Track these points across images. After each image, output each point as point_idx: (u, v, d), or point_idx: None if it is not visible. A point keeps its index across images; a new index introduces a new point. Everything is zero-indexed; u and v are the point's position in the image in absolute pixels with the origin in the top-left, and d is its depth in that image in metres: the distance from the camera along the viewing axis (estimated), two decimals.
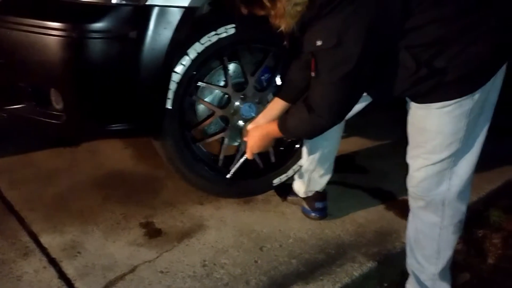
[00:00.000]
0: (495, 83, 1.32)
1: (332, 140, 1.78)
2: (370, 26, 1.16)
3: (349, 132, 2.95)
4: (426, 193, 1.41)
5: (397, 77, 1.27)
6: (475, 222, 2.20)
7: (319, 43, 1.19)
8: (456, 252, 2.00)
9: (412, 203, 1.49)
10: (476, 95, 1.27)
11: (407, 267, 1.59)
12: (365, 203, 2.10)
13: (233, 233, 1.82)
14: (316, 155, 1.80)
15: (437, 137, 1.33)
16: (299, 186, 1.92)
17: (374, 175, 2.37)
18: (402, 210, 1.95)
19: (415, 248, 1.54)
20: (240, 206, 2.00)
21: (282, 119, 1.47)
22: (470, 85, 1.26)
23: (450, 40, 1.21)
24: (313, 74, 1.29)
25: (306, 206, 1.93)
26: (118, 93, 1.46)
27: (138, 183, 2.16)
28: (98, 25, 1.37)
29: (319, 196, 1.91)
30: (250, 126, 1.63)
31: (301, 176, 1.89)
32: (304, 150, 1.83)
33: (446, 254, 1.50)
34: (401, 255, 1.64)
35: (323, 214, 1.92)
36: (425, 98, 1.29)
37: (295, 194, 1.97)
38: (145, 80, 1.45)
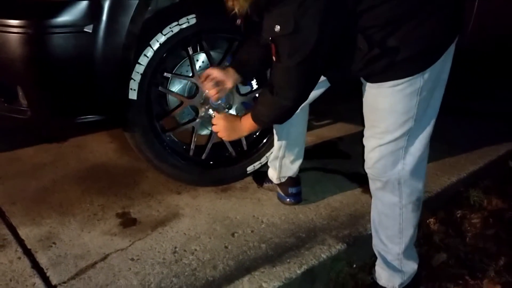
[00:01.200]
0: (445, 63, 1.33)
1: (298, 126, 1.80)
2: (325, 9, 1.18)
3: (334, 118, 2.97)
4: (382, 174, 1.43)
5: (351, 58, 1.29)
6: (455, 202, 2.20)
7: (277, 29, 1.21)
8: (433, 233, 2.03)
9: (371, 185, 1.51)
10: (426, 74, 1.28)
11: (374, 248, 1.61)
12: (342, 187, 2.12)
13: (207, 220, 1.85)
14: (284, 142, 1.82)
15: (389, 116, 1.35)
16: (272, 173, 1.95)
17: (355, 160, 2.37)
18: None
19: (379, 229, 1.56)
20: (217, 194, 2.03)
21: (254, 110, 1.50)
22: (420, 63, 1.28)
23: (401, 20, 1.23)
24: (274, 58, 1.31)
25: (281, 192, 1.95)
26: (78, 87, 1.49)
27: (119, 175, 2.21)
28: (53, 21, 1.40)
29: (292, 181, 1.93)
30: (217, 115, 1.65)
31: (272, 163, 1.92)
32: (275, 138, 1.85)
33: (409, 232, 1.51)
34: (370, 237, 1.65)
35: (298, 199, 1.94)
36: (378, 77, 1.31)
37: (270, 181, 1.99)
38: (103, 72, 1.48)
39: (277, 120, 1.56)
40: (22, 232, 1.75)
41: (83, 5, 1.42)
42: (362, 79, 1.40)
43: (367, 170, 1.50)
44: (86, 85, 1.49)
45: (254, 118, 1.50)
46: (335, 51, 1.29)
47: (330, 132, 2.79)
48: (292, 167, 1.91)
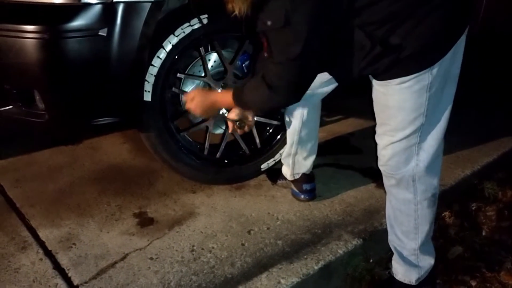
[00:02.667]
0: (455, 57, 1.32)
1: (311, 122, 1.81)
2: (317, 6, 1.18)
3: (344, 114, 2.97)
4: (395, 171, 1.43)
5: (354, 57, 1.28)
6: (469, 195, 2.20)
7: (269, 23, 1.21)
8: (448, 226, 2.03)
9: (385, 182, 1.51)
10: (435, 70, 1.27)
11: (389, 243, 1.61)
12: (356, 182, 2.12)
13: (223, 218, 1.87)
14: (296, 138, 1.83)
15: (399, 114, 1.34)
16: (285, 170, 1.96)
17: (368, 155, 2.37)
18: None
19: (394, 225, 1.56)
20: (231, 192, 2.05)
21: (239, 93, 1.48)
22: (426, 60, 1.27)
23: (403, 16, 1.22)
24: (265, 54, 1.32)
25: (295, 189, 1.96)
26: (94, 90, 1.51)
27: (134, 175, 2.23)
28: (68, 25, 1.42)
29: (306, 178, 1.94)
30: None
31: (286, 160, 1.93)
32: (287, 134, 1.86)
33: (425, 228, 1.52)
34: (386, 232, 1.66)
35: (312, 195, 1.95)
36: (384, 75, 1.30)
37: (284, 178, 2.01)
38: (118, 75, 1.50)
39: (263, 109, 1.56)
40: (42, 234, 1.78)
41: (97, 9, 1.44)
42: (370, 76, 1.41)
43: (380, 168, 1.50)
44: (101, 88, 1.52)
45: (237, 100, 1.49)
46: (337, 49, 1.29)
47: (341, 127, 2.79)
48: (305, 164, 1.92)
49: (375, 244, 1.75)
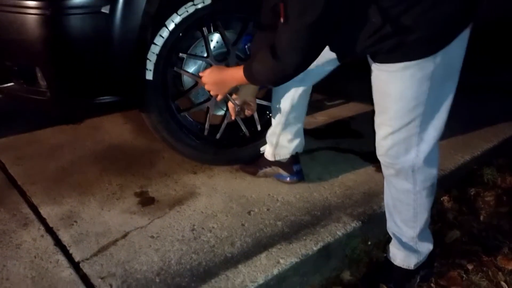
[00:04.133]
0: (458, 48, 1.30)
1: (300, 106, 1.79)
2: None
3: (345, 98, 2.97)
4: (395, 161, 1.42)
5: (361, 32, 1.25)
6: (468, 181, 2.21)
7: None
8: (447, 210, 2.05)
9: (384, 171, 1.51)
10: (438, 58, 1.25)
11: (388, 230, 1.62)
12: (356, 166, 2.13)
13: (223, 199, 1.88)
14: (283, 120, 1.81)
15: (399, 102, 1.32)
16: (268, 149, 1.94)
17: (368, 139, 2.36)
18: None
19: (393, 213, 1.56)
20: (232, 173, 2.06)
21: (248, 65, 1.46)
22: (431, 46, 1.25)
23: None
24: (282, 20, 1.30)
25: (284, 172, 1.96)
26: (96, 67, 1.51)
27: (135, 155, 2.24)
28: (71, 2, 1.41)
29: (295, 159, 1.94)
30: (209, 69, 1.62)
31: (270, 139, 1.91)
32: (272, 112, 1.84)
33: (423, 216, 1.52)
34: (384, 216, 1.67)
35: (301, 176, 1.96)
36: (386, 57, 1.28)
37: (265, 166, 1.98)
38: (120, 53, 1.50)
39: (271, 82, 1.54)
40: (44, 211, 1.79)
41: None
42: (369, 60, 1.38)
43: (379, 157, 1.48)
44: (103, 66, 1.51)
45: (247, 75, 1.47)
46: (347, 19, 1.26)
47: (342, 111, 2.79)
48: (288, 146, 1.90)
49: (374, 226, 1.76)
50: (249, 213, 1.79)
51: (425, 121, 1.35)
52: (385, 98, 1.37)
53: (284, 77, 1.42)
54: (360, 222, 1.72)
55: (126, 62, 1.53)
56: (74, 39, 1.45)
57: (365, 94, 2.30)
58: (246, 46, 1.91)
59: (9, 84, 1.66)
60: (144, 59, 1.60)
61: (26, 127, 2.52)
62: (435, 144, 1.41)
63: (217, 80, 1.59)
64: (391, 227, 1.60)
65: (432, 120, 1.36)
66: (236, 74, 1.51)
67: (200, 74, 1.62)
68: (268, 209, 1.81)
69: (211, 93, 1.67)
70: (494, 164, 2.29)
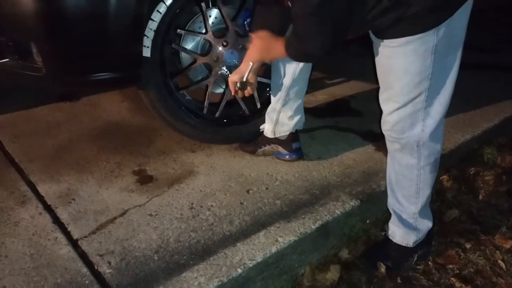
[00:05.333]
0: (460, 20, 1.28)
1: (301, 81, 1.77)
2: None
3: (346, 76, 2.94)
4: (400, 136, 1.42)
5: (361, 10, 1.23)
6: (468, 160, 2.20)
7: None
8: (446, 189, 2.04)
9: (389, 146, 1.50)
10: (441, 31, 1.24)
11: (389, 207, 1.62)
12: (355, 145, 2.12)
13: (222, 177, 1.87)
14: (283, 95, 1.79)
15: (404, 77, 1.32)
16: (267, 127, 1.92)
17: (368, 118, 2.37)
18: None
19: (395, 189, 1.56)
20: (230, 152, 2.05)
21: (287, 41, 1.43)
22: (433, 19, 1.23)
23: None
24: (289, 3, 1.27)
25: (282, 150, 1.94)
26: (91, 43, 1.48)
27: (133, 133, 2.22)
28: None
29: (294, 136, 1.93)
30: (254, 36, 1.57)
31: (270, 115, 1.89)
32: (272, 89, 1.82)
33: (425, 193, 1.52)
34: (385, 194, 1.66)
35: (300, 154, 1.96)
36: (388, 32, 1.27)
37: (264, 144, 1.97)
38: (116, 28, 1.47)
39: (304, 61, 1.59)
40: (42, 188, 1.79)
41: None
42: (371, 36, 1.36)
43: (385, 132, 1.48)
44: (100, 42, 1.48)
45: (286, 50, 1.44)
46: None
47: (342, 90, 2.77)
48: (288, 123, 1.88)
49: (372, 205, 1.76)
50: (247, 191, 1.79)
51: (431, 96, 1.35)
52: (389, 74, 1.35)
53: (313, 57, 1.44)
54: (358, 201, 1.72)
55: (123, 37, 1.50)
56: (70, 13, 1.42)
57: (365, 72, 2.28)
58: (245, 22, 1.88)
59: (3, 60, 1.62)
60: (141, 34, 1.57)
61: (23, 104, 2.49)
62: (441, 119, 1.41)
63: (266, 45, 1.53)
64: (392, 204, 1.60)
65: (438, 94, 1.36)
66: (280, 46, 1.46)
67: (251, 34, 1.56)
68: (267, 188, 1.81)
69: (251, 56, 1.59)
70: (494, 143, 2.28)
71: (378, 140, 2.12)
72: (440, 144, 1.48)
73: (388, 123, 1.44)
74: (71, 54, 1.49)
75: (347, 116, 2.42)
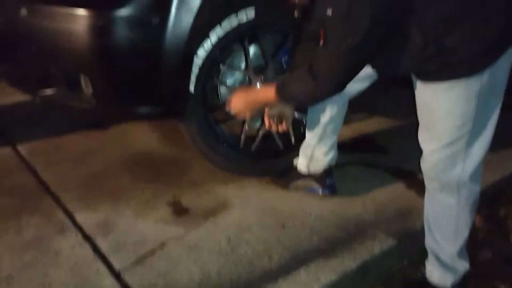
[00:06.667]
0: (503, 65, 1.31)
1: (338, 118, 1.81)
2: None
3: (369, 112, 2.97)
4: (441, 175, 1.43)
5: (404, 53, 1.27)
6: (498, 200, 2.20)
7: (329, 12, 1.20)
8: (477, 230, 2.04)
9: (428, 185, 1.51)
10: (485, 76, 1.26)
11: (426, 246, 1.62)
12: (385, 182, 2.13)
13: (256, 211, 1.88)
14: (320, 132, 1.81)
15: (447, 119, 1.34)
16: (301, 162, 1.94)
17: (395, 154, 2.38)
18: (423, 188, 1.92)
19: (433, 228, 1.56)
20: (262, 185, 2.06)
21: (282, 85, 1.46)
22: (478, 64, 1.26)
23: (461, 18, 1.21)
24: (321, 43, 1.31)
25: (316, 185, 1.96)
26: (143, 78, 1.53)
27: (165, 164, 2.24)
28: (122, 12, 1.43)
29: (329, 172, 1.94)
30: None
31: (304, 150, 1.91)
32: (307, 124, 1.85)
33: (464, 233, 1.52)
34: (421, 232, 1.66)
35: (334, 190, 1.96)
36: (432, 76, 1.29)
37: (297, 178, 1.98)
38: (168, 64, 1.51)
39: (304, 103, 1.58)
40: (79, 218, 1.80)
41: None
42: (413, 78, 1.39)
43: (424, 171, 1.49)
44: (152, 76, 1.53)
45: (280, 93, 1.46)
46: (388, 43, 1.27)
47: (366, 126, 2.78)
48: (324, 159, 1.90)
49: (409, 244, 1.76)
50: (283, 226, 1.80)
51: (472, 138, 1.36)
52: (431, 114, 1.38)
53: (321, 98, 1.45)
54: (396, 240, 1.73)
55: (173, 73, 1.54)
56: (124, 49, 1.47)
57: (387, 107, 2.31)
58: (283, 60, 1.93)
59: (51, 91, 1.67)
60: (190, 70, 1.61)
61: (53, 131, 2.52)
62: (481, 160, 1.42)
63: (246, 102, 1.58)
64: (429, 243, 1.60)
65: (479, 136, 1.37)
66: (266, 94, 1.51)
67: (228, 98, 1.61)
68: (302, 223, 1.81)
69: (236, 111, 1.63)
70: None
71: (407, 177, 2.14)
72: (479, 185, 1.49)
73: (429, 162, 1.46)
74: (123, 88, 1.54)
75: (374, 153, 2.44)
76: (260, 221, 1.82)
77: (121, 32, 1.45)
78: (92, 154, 2.31)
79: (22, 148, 2.33)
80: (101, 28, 1.45)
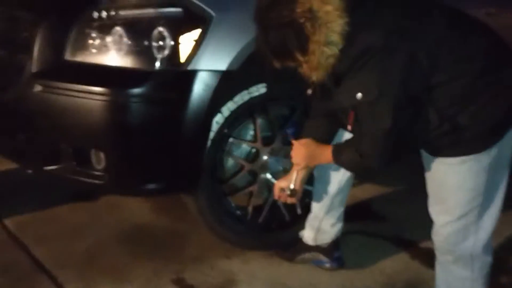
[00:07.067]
0: (509, 139, 1.38)
1: (345, 189, 1.82)
2: (403, 77, 1.23)
3: (361, 179, 3.01)
4: (453, 247, 1.45)
5: (421, 131, 1.33)
6: (498, 268, 2.22)
7: (359, 96, 1.24)
8: None
9: (440, 257, 1.53)
10: (493, 150, 1.33)
11: None
12: (389, 252, 2.12)
13: (265, 287, 1.82)
14: (328, 203, 1.81)
15: (458, 193, 1.38)
16: (308, 234, 1.92)
17: (393, 222, 2.40)
18: (427, 259, 1.98)
19: None
20: (266, 259, 2.01)
21: (337, 149, 1.48)
22: (486, 141, 1.33)
23: (471, 98, 1.29)
24: (349, 127, 1.35)
25: (323, 258, 1.93)
26: (160, 154, 1.51)
27: (162, 237, 2.17)
28: (141, 90, 1.44)
29: (336, 245, 1.93)
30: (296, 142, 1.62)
31: (311, 223, 1.89)
32: (314, 196, 1.84)
33: None
34: None
35: (341, 263, 1.94)
36: (444, 152, 1.35)
37: (304, 251, 1.95)
38: (186, 141, 1.51)
39: (354, 172, 1.62)
40: None
41: (170, 75, 1.47)
42: (423, 153, 1.44)
43: (436, 243, 1.51)
44: (168, 153, 1.52)
45: (335, 158, 1.48)
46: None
47: (360, 192, 2.80)
48: (331, 231, 1.89)
49: None
50: None
51: (483, 210, 1.41)
52: (443, 188, 1.42)
53: (370, 170, 1.49)
54: None
55: (190, 149, 1.54)
56: (142, 125, 1.47)
57: (380, 174, 2.34)
58: (288, 131, 1.95)
59: (57, 166, 1.62)
60: (205, 146, 1.61)
61: (40, 203, 2.41)
62: (492, 231, 1.46)
63: (310, 152, 1.57)
64: None
65: (489, 208, 1.42)
66: (324, 152, 1.52)
67: (294, 142, 1.61)
68: None
69: (296, 161, 1.61)
70: None
71: (410, 247, 2.15)
72: (491, 256, 1.52)
73: (441, 235, 1.48)
74: (140, 164, 1.51)
75: (371, 220, 2.45)
76: None
77: (140, 110, 1.45)
78: (85, 228, 2.21)
79: (9, 222, 2.21)
80: (121, 105, 1.44)
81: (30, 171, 1.81)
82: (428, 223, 1.54)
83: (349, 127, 1.35)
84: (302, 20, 1.19)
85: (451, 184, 1.39)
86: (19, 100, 1.55)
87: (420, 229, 2.11)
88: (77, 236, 2.13)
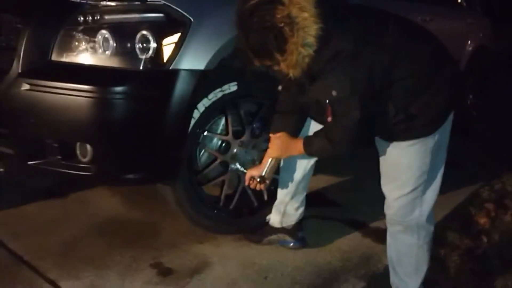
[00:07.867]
0: (448, 126, 1.67)
1: (308, 175, 2.04)
2: (370, 76, 1.46)
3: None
4: (402, 218, 1.71)
5: (382, 120, 1.57)
6: (436, 243, 2.53)
7: (334, 93, 1.45)
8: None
9: (391, 228, 1.78)
10: (436, 135, 1.61)
11: (392, 285, 1.85)
12: (344, 232, 2.36)
13: (238, 267, 2.00)
14: (293, 189, 2.02)
15: (408, 171, 1.64)
16: (274, 217, 2.12)
17: (346, 207, 2.65)
18: (377, 236, 2.28)
19: (397, 267, 1.81)
20: (236, 242, 2.19)
21: (308, 141, 1.69)
22: (432, 127, 1.60)
23: (421, 92, 1.55)
24: (329, 119, 1.55)
25: (289, 238, 2.14)
26: (143, 147, 1.66)
27: (136, 228, 2.28)
28: (127, 88, 1.58)
29: (299, 226, 2.15)
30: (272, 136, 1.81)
31: (277, 207, 2.10)
32: (281, 183, 2.05)
33: (423, 268, 1.79)
34: (384, 274, 1.91)
35: (305, 242, 2.16)
36: (399, 136, 1.60)
37: (270, 234, 2.16)
38: (167, 135, 1.66)
39: (324, 157, 1.82)
40: (64, 285, 1.79)
41: (154, 74, 1.62)
42: (378, 140, 1.69)
43: (388, 216, 1.75)
44: (151, 145, 1.66)
45: (306, 147, 1.69)
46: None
47: (317, 183, 3.02)
48: (295, 214, 2.11)
49: (376, 285, 1.98)
50: (266, 278, 1.93)
51: (426, 186, 1.68)
52: (396, 168, 1.67)
53: (335, 155, 1.70)
54: (365, 282, 1.94)
55: (171, 142, 1.69)
56: (128, 121, 1.60)
57: (329, 165, 2.58)
58: (255, 126, 2.15)
59: (42, 161, 1.71)
60: (185, 139, 1.76)
61: (11, 201, 2.44)
62: (433, 204, 1.73)
63: (284, 145, 1.77)
64: (394, 282, 1.83)
65: (431, 184, 1.69)
66: (297, 145, 1.72)
67: (271, 135, 1.80)
68: (282, 274, 1.97)
69: (271, 153, 1.81)
70: (453, 228, 2.65)
71: (362, 227, 2.41)
72: (433, 226, 1.79)
73: (393, 208, 1.73)
74: (126, 155, 1.64)
75: (328, 206, 2.69)
76: (243, 275, 1.94)
77: (126, 106, 1.59)
78: (58, 224, 2.28)
79: None
80: (108, 102, 1.58)
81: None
82: (376, 206, 1.81)
83: (329, 119, 1.55)
84: (281, 25, 1.36)
85: (403, 163, 1.64)
86: (5, 97, 1.62)
87: (369, 212, 2.43)
88: (51, 231, 2.20)
